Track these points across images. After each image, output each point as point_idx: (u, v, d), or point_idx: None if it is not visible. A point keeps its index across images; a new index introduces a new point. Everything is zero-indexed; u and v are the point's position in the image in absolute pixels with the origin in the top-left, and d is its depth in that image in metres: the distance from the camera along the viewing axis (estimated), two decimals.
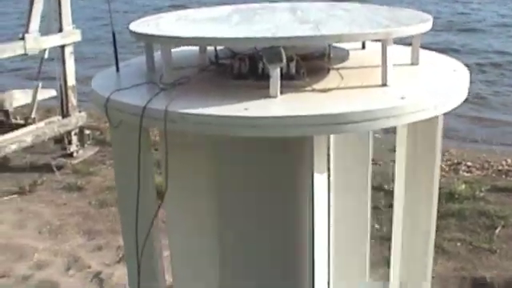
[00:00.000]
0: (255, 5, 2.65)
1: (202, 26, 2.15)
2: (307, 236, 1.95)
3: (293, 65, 2.01)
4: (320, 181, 1.88)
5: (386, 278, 2.69)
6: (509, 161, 6.74)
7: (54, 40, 6.26)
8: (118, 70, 2.38)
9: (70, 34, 6.40)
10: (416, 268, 2.32)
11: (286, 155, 2.12)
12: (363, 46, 2.53)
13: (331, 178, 2.19)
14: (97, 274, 4.57)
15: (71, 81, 6.52)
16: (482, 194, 5.66)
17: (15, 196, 6.03)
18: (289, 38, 1.84)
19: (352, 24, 2.05)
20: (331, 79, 2.08)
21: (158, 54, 2.34)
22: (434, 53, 2.49)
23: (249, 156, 2.16)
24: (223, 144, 2.15)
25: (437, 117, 2.05)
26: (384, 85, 1.99)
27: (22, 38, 5.95)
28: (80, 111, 6.74)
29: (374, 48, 2.42)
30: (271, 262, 2.28)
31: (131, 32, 2.17)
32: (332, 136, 2.51)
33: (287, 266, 2.26)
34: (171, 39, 1.99)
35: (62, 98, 6.58)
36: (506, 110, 9.19)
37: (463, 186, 5.73)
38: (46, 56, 6.42)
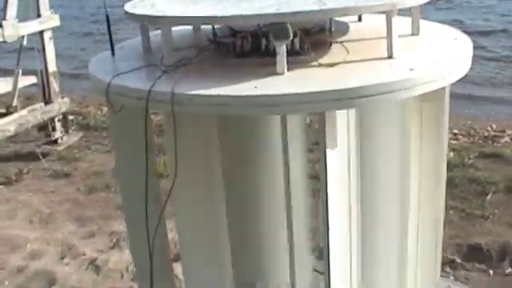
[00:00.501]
0: None
1: (200, 5, 2.09)
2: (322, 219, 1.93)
3: (297, 40, 1.97)
4: (332, 157, 1.86)
5: None
6: (494, 126, 6.78)
7: (32, 26, 6.15)
8: (113, 53, 2.33)
9: (49, 20, 6.29)
10: (425, 247, 2.32)
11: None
12: (359, 19, 2.49)
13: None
14: (92, 261, 4.52)
15: (52, 67, 6.42)
16: (470, 161, 5.69)
17: (1, 187, 5.95)
18: (295, 14, 1.80)
19: None
20: (335, 53, 2.04)
21: (151, 35, 2.31)
22: (431, 22, 2.46)
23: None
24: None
25: (444, 88, 2.03)
26: (390, 57, 1.97)
27: (0, 26, 5.83)
28: (63, 97, 6.64)
29: (371, 20, 2.40)
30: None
31: (128, 14, 2.11)
32: None
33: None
34: (175, 19, 1.95)
35: (44, 84, 6.47)
36: (480, 86, 9.07)
37: (452, 154, 5.74)
38: (25, 43, 6.31)
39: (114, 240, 4.78)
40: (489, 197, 5.06)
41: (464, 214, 4.87)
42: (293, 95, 1.71)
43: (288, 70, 1.87)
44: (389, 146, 2.26)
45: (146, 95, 1.84)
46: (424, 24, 2.32)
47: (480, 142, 6.38)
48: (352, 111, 2.11)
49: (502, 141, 6.36)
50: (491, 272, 4.18)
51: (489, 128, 6.75)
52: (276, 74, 1.86)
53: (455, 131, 6.62)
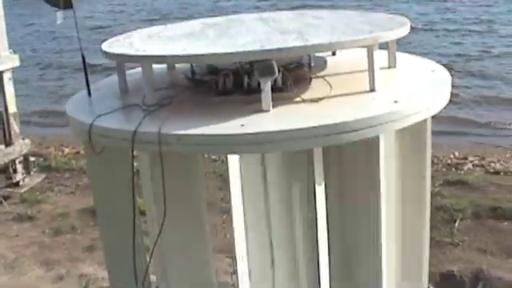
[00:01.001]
0: (220, 18, 2.61)
1: (180, 44, 2.09)
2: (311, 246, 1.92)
3: (279, 77, 1.97)
4: (321, 192, 1.85)
5: None
6: (456, 154, 6.88)
7: None
8: (89, 94, 2.30)
9: (8, 60, 6.19)
10: (411, 271, 2.32)
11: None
12: (333, 53, 2.51)
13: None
14: None
15: (12, 108, 6.30)
16: (436, 189, 5.72)
17: None
18: (280, 50, 1.80)
19: (334, 32, 2.02)
20: (317, 88, 2.05)
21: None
22: (405, 54, 2.49)
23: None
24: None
25: (425, 119, 2.04)
26: (372, 90, 1.98)
27: None
28: (23, 138, 6.51)
29: (345, 54, 2.42)
30: None
31: (106, 53, 2.09)
32: None
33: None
34: (159, 58, 1.93)
35: (4, 125, 6.34)
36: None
37: None
38: None
39: (84, 283, 4.67)
40: (457, 224, 5.11)
41: (434, 241, 4.87)
42: (282, 132, 1.70)
43: (272, 106, 1.86)
44: (369, 178, 2.26)
45: (131, 136, 1.81)
46: (399, 56, 2.34)
47: (444, 169, 6.46)
48: None
49: (465, 168, 6.46)
50: None
51: (451, 155, 6.85)
52: (261, 111, 1.85)
53: None
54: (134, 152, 1.97)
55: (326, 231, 1.93)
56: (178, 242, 2.09)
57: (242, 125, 1.76)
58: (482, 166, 6.49)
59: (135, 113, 1.95)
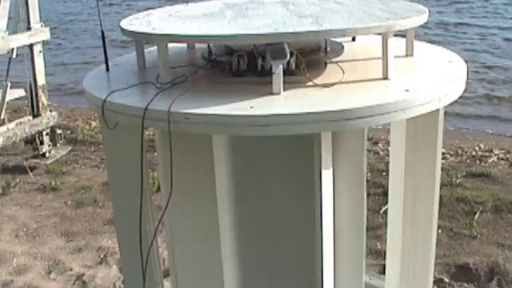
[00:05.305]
0: None
1: (197, 23, 2.10)
2: (316, 231, 1.93)
3: (293, 60, 1.98)
4: (327, 177, 1.86)
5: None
6: (481, 146, 6.82)
7: (22, 39, 6.11)
8: (108, 69, 2.33)
9: (39, 32, 6.26)
10: (416, 267, 2.32)
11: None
12: (353, 39, 2.51)
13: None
14: (79, 277, 4.48)
15: (41, 80, 6.38)
16: (458, 181, 5.70)
17: None
18: (293, 34, 1.81)
19: (351, 18, 2.02)
20: (331, 73, 2.05)
21: (146, 52, 2.31)
22: (425, 43, 2.48)
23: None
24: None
25: (438, 109, 2.04)
26: (385, 78, 1.98)
27: None
28: (51, 110, 6.60)
29: (365, 40, 2.41)
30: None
31: (124, 30, 2.11)
32: None
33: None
34: (172, 37, 1.94)
35: (32, 97, 6.43)
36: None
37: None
38: (14, 56, 6.26)
39: (102, 255, 4.75)
40: (476, 216, 5.07)
41: (452, 233, 4.88)
42: (289, 116, 1.72)
43: (284, 89, 1.87)
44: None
45: (141, 113, 1.83)
46: (418, 45, 2.34)
47: (468, 161, 6.40)
48: None
49: (490, 160, 6.39)
50: None
51: (476, 148, 6.79)
52: (272, 93, 1.87)
53: (443, 150, 6.64)
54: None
55: (330, 218, 1.94)
56: (185, 223, 2.12)
57: (251, 106, 1.78)
58: (507, 159, 6.42)
59: (149, 90, 1.98)
